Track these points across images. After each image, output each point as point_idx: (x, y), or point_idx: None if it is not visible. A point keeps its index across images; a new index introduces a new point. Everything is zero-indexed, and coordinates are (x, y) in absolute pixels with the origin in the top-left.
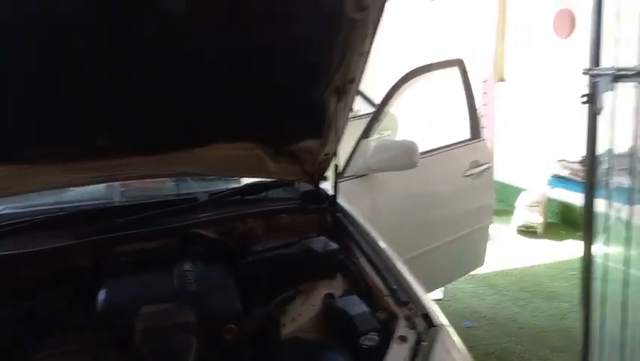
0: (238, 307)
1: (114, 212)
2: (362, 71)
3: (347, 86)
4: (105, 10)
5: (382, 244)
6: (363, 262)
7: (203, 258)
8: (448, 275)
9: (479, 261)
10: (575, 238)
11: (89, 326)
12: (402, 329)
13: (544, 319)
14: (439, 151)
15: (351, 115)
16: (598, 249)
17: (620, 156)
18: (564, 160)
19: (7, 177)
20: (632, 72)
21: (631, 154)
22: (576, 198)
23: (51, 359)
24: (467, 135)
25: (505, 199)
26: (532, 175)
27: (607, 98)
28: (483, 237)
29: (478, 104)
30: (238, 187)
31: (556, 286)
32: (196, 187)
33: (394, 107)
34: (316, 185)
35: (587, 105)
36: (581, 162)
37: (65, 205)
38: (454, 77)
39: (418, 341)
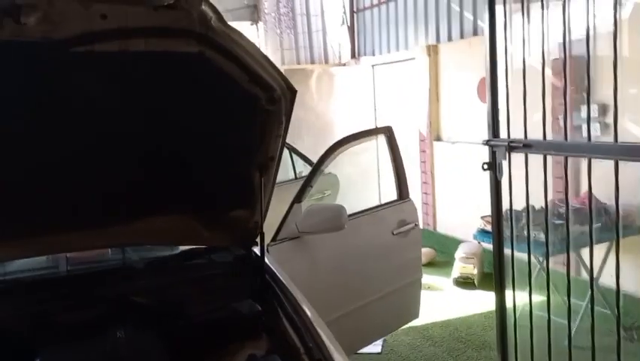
0: None
1: (54, 282)
2: (280, 151)
3: (268, 162)
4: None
5: (304, 305)
6: (285, 323)
7: (135, 324)
8: (383, 328)
9: (413, 313)
10: (509, 288)
11: None
12: None
13: None
14: (369, 212)
15: (293, 178)
16: (517, 298)
17: (537, 211)
18: (487, 215)
19: None
20: (520, 144)
21: (528, 212)
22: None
23: None
24: (395, 196)
25: (447, 251)
26: (470, 227)
27: (505, 164)
28: (414, 290)
29: (415, 162)
30: (173, 254)
31: (489, 335)
32: (137, 254)
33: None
34: (247, 250)
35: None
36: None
37: (7, 276)
38: (383, 143)
39: None
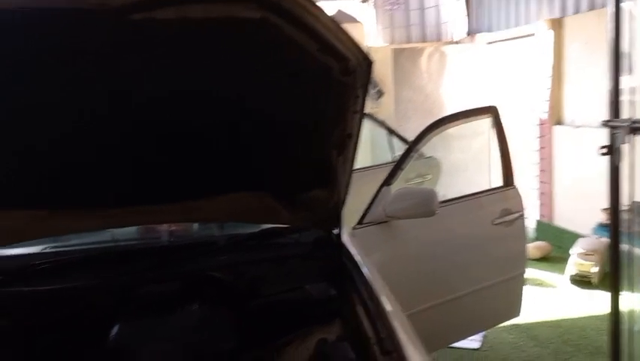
0: (229, 349)
1: (137, 254)
2: (358, 127)
3: (345, 141)
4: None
5: (382, 293)
6: (359, 309)
7: (210, 300)
8: (479, 324)
9: (513, 311)
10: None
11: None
12: None
13: None
14: (468, 199)
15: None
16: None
17: None
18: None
19: (39, 222)
20: None
21: None
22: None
23: None
24: (499, 183)
25: (563, 245)
26: (592, 221)
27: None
28: (516, 286)
29: (532, 148)
30: (253, 232)
31: (604, 340)
32: (218, 230)
33: (438, 153)
34: (327, 231)
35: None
36: (628, 210)
37: (95, 245)
38: (488, 125)
39: None
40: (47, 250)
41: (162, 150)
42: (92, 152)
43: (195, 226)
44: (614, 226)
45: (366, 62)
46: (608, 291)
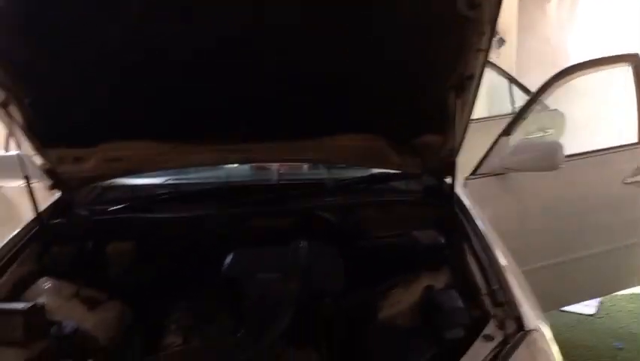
0: (338, 287)
1: (250, 191)
2: (482, 68)
3: (465, 82)
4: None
5: (495, 246)
6: (470, 259)
7: (319, 238)
8: (597, 289)
9: (635, 278)
10: None
11: (215, 284)
12: (490, 328)
13: None
14: (596, 154)
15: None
16: None
17: None
18: None
19: (164, 154)
20: None
21: None
22: None
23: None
24: (634, 139)
25: None
26: None
27: None
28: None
29: None
30: (363, 176)
31: None
32: (329, 172)
33: (563, 107)
34: (439, 179)
35: None
36: None
37: (211, 181)
38: (626, 74)
39: (504, 343)
40: (170, 182)
41: (283, 89)
42: (219, 91)
43: (305, 168)
44: None
45: None
46: None
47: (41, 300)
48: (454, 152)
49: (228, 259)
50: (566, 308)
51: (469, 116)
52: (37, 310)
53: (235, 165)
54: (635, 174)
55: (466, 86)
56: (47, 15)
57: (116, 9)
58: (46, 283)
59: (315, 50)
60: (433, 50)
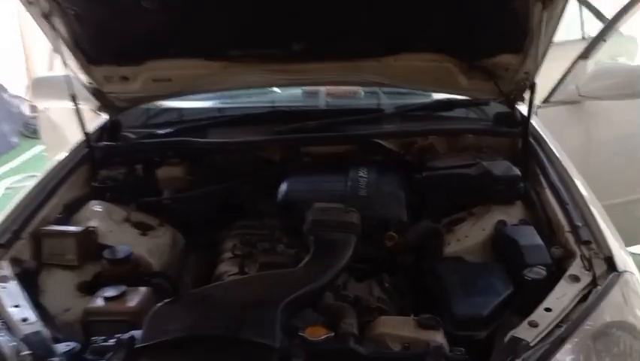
0: (403, 217)
1: (306, 115)
2: None
3: None
4: None
5: (577, 180)
6: (547, 193)
7: (378, 167)
8: None
9: None
10: None
11: (270, 212)
12: (576, 268)
13: None
14: None
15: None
16: None
17: None
18: None
19: (213, 74)
20: None
21: None
22: None
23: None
24: None
25: None
26: None
27: None
28: None
29: None
30: (426, 102)
31: None
32: (385, 100)
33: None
34: (511, 106)
35: None
36: None
37: (266, 104)
38: None
39: (593, 285)
40: (218, 106)
41: (343, 5)
42: (272, 5)
43: (362, 93)
44: None
45: None
46: None
47: (92, 224)
48: (531, 75)
49: (284, 186)
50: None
51: (554, 33)
52: (90, 234)
53: (282, 91)
54: None
55: None
56: None
57: None
58: (96, 207)
59: None
60: None
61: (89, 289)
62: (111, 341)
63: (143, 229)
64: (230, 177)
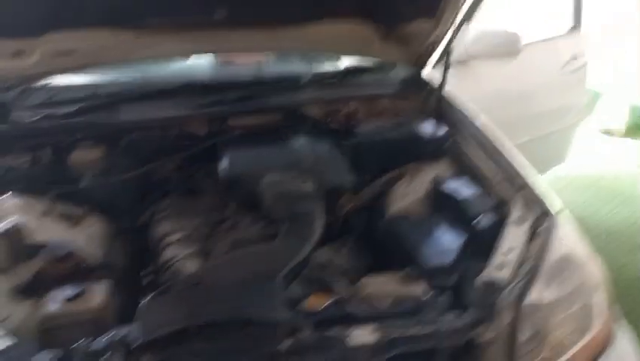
0: (353, 180)
1: (225, 87)
2: None
3: None
4: None
5: (494, 130)
6: (472, 147)
7: (311, 135)
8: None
9: (563, 158)
10: None
11: (208, 191)
12: (518, 212)
13: (621, 220)
14: (540, 42)
15: None
16: None
17: None
18: None
19: (125, 43)
20: None
21: None
22: None
23: (165, 221)
24: (568, 26)
25: None
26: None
27: None
28: (571, 134)
29: None
30: (341, 70)
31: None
32: (299, 67)
33: None
34: (419, 70)
35: None
36: None
37: (176, 78)
38: None
39: (538, 224)
40: (129, 80)
41: None
42: None
43: (275, 61)
44: None
45: None
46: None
47: (13, 220)
48: (441, 38)
49: (227, 161)
50: None
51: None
52: (17, 232)
53: (193, 62)
54: (570, 60)
55: None
56: None
57: None
58: (11, 202)
59: None
60: None
61: (26, 292)
62: (101, 343)
63: (71, 220)
64: (153, 156)
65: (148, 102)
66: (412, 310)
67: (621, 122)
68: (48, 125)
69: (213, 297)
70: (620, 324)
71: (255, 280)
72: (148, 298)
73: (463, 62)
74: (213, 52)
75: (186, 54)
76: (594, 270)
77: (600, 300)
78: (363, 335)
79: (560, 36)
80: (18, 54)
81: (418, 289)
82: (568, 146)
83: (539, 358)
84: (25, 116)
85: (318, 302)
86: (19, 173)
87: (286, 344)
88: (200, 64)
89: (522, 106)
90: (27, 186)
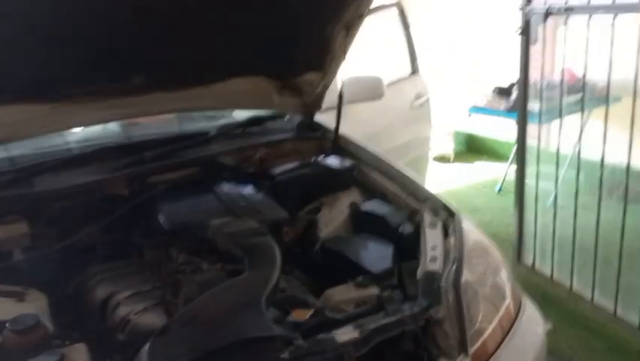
0: (286, 215)
1: (138, 147)
2: (368, 7)
3: (355, 21)
4: None
5: (387, 158)
6: (375, 174)
7: (233, 181)
8: None
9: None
10: (482, 160)
11: (146, 247)
12: (429, 218)
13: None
14: (392, 84)
15: None
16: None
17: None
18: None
19: (41, 117)
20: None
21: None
22: (485, 127)
23: (106, 282)
24: (408, 71)
25: None
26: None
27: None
28: (426, 161)
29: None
30: (244, 120)
31: (477, 202)
32: (204, 123)
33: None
34: (311, 115)
35: (520, 37)
36: (495, 92)
37: (88, 144)
38: (393, 18)
39: (445, 226)
40: (43, 149)
41: (174, 36)
42: (93, 35)
43: (178, 119)
44: (523, 101)
45: None
46: (464, 163)
47: None
48: (328, 86)
49: (165, 214)
50: None
51: (346, 55)
52: None
53: (100, 127)
54: (417, 98)
55: (355, 24)
56: None
57: None
58: None
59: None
60: None
61: None
62: None
63: (16, 295)
64: (79, 222)
65: (65, 170)
66: (376, 307)
67: (449, 149)
68: None
69: (211, 327)
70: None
71: (242, 307)
72: (149, 341)
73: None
74: (130, 117)
75: (103, 122)
76: (496, 254)
77: (505, 277)
78: (347, 333)
79: (404, 78)
80: None
81: (374, 291)
82: (425, 171)
83: (476, 327)
84: None
85: (301, 315)
86: None
87: (287, 353)
88: (107, 126)
89: (386, 141)
90: None
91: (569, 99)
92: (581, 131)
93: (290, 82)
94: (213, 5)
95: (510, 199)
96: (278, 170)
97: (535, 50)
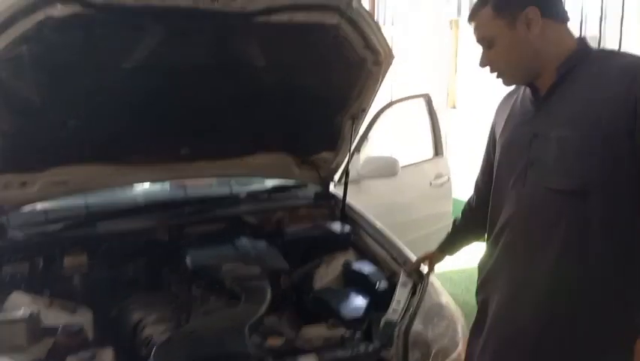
0: (287, 266)
1: (180, 204)
2: (371, 103)
3: (360, 113)
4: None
5: (381, 227)
6: (369, 240)
7: (251, 236)
8: None
9: None
10: None
11: (173, 283)
12: (403, 278)
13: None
14: (412, 165)
15: None
16: None
17: None
18: None
19: (108, 175)
20: None
21: None
22: None
23: (139, 308)
24: (431, 153)
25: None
26: None
27: None
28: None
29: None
30: (269, 188)
31: None
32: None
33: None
34: (326, 187)
35: None
36: None
37: (141, 198)
38: (421, 107)
39: (415, 286)
40: (104, 200)
41: (208, 118)
42: (153, 117)
43: (217, 182)
44: None
45: (390, 56)
46: None
47: (26, 310)
48: (341, 164)
49: (192, 257)
50: None
51: (356, 136)
52: (35, 318)
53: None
54: (436, 178)
55: (360, 116)
56: None
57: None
58: (20, 297)
59: (247, 93)
60: (344, 91)
61: None
62: None
63: (69, 309)
64: (127, 259)
65: (122, 217)
66: (338, 343)
67: None
68: (39, 240)
69: (205, 341)
70: None
71: (231, 330)
72: (156, 346)
73: (356, 181)
74: (176, 178)
75: (155, 181)
76: (455, 312)
77: (460, 331)
78: (309, 359)
79: (426, 160)
80: (23, 185)
81: (340, 332)
82: None
83: None
84: (18, 234)
85: (275, 342)
86: (21, 277)
87: None
88: (158, 185)
89: (403, 214)
90: (27, 286)
91: None
92: None
93: (307, 158)
94: (244, 99)
95: None
96: (290, 230)
97: None
